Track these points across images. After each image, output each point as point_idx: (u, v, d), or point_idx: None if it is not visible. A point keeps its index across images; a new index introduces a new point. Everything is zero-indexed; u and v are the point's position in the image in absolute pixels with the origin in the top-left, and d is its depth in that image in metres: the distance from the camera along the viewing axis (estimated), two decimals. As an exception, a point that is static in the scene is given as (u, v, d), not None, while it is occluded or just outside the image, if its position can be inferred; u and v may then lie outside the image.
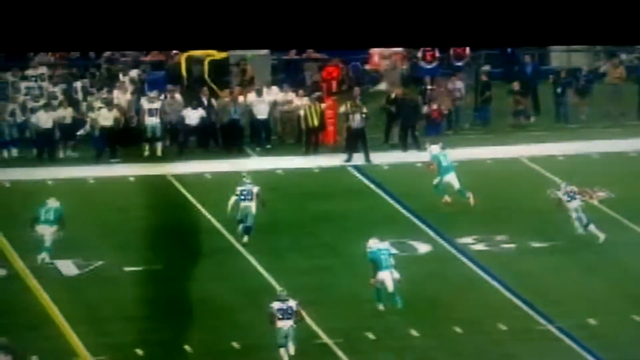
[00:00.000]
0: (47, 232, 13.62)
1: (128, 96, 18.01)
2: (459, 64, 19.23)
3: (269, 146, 17.76)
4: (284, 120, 18.02)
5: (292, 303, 11.46)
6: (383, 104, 18.04)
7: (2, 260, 13.64)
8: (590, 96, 18.86)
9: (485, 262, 13.57)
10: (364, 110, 17.29)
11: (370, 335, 11.90)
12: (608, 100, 18.78)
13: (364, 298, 12.50)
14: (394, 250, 12.85)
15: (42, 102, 17.71)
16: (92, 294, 12.87)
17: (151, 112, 17.56)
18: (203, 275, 13.26)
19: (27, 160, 17.12)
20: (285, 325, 11.38)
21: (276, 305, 11.47)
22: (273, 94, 18.01)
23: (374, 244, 12.43)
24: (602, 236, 13.76)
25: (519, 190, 15.30)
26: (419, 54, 19.02)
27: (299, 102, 17.84)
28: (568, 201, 14.00)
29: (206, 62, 18.13)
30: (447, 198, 15.01)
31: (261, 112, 17.77)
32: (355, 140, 17.12)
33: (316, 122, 17.54)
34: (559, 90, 18.82)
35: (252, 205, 13.99)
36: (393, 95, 18.16)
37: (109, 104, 17.59)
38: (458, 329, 12.04)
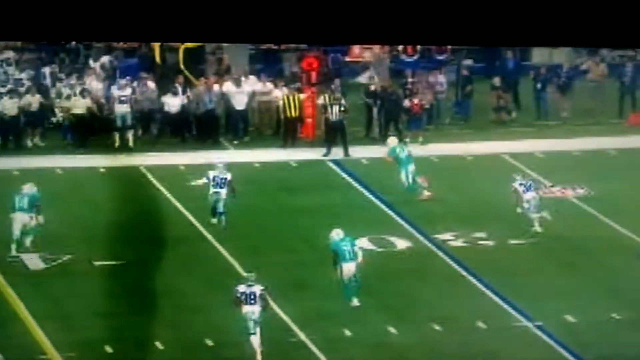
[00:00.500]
0: (23, 220, 13.61)
1: (99, 83, 17.98)
2: (441, 57, 19.49)
3: (246, 138, 17.90)
4: (262, 110, 18.16)
5: (256, 288, 11.70)
6: (362, 97, 18.28)
7: None
8: (572, 93, 19.23)
9: (463, 258, 13.86)
10: (343, 102, 17.49)
11: (347, 332, 12.12)
12: (589, 98, 19.16)
13: (343, 295, 12.69)
14: (363, 244, 13.07)
15: (7, 88, 17.59)
16: (59, 289, 12.85)
17: (122, 100, 17.56)
18: (176, 270, 13.35)
19: None
20: (249, 310, 11.61)
21: (241, 288, 11.74)
22: (251, 84, 18.12)
23: (336, 235, 12.71)
24: (546, 214, 14.25)
25: (498, 187, 15.61)
26: (400, 47, 19.24)
27: (278, 92, 18.00)
28: (524, 192, 14.44)
29: (181, 50, 18.20)
30: (426, 193, 15.28)
31: (239, 102, 17.89)
32: (334, 134, 17.34)
33: (295, 113, 17.72)
34: (538, 86, 19.18)
35: (223, 192, 14.20)
36: (372, 88, 18.38)
37: (83, 91, 17.57)
38: (437, 327, 12.31)
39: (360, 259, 12.70)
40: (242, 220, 14.57)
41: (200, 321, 12.19)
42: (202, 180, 14.39)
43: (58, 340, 11.71)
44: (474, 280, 13.38)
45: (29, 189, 13.83)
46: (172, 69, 18.31)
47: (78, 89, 17.65)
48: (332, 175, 16.60)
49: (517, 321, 12.48)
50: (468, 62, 19.44)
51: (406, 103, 18.09)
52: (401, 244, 14.27)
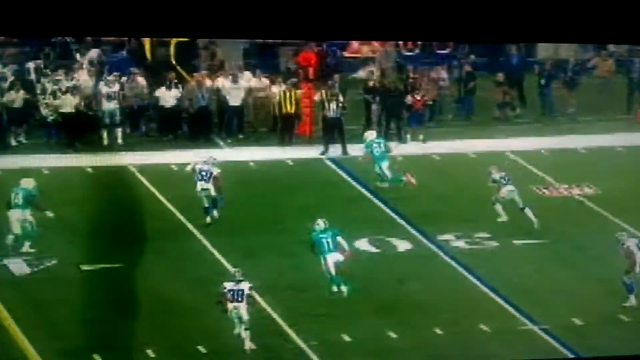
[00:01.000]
0: (19, 217, 13.60)
1: (88, 79, 17.96)
2: (442, 52, 19.57)
3: (241, 136, 17.97)
4: (257, 107, 18.20)
5: (244, 286, 11.85)
6: (361, 92, 18.35)
7: None
8: (578, 89, 19.33)
9: (466, 260, 13.98)
10: (340, 98, 17.56)
11: (346, 338, 12.19)
12: (596, 94, 19.26)
13: (341, 297, 12.77)
14: (362, 246, 13.16)
15: None
16: (45, 294, 12.85)
17: (110, 97, 17.60)
18: (167, 274, 13.40)
19: None
20: (235, 307, 11.75)
21: (228, 285, 11.88)
22: (245, 79, 18.16)
23: (317, 225, 12.92)
24: (535, 221, 14.42)
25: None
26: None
27: (275, 89, 18.05)
28: (504, 184, 14.68)
29: (172, 44, 18.26)
30: (410, 179, 15.46)
31: (234, 99, 17.92)
32: (331, 131, 17.42)
33: (291, 109, 17.78)
34: (543, 82, 19.29)
35: (210, 187, 14.35)
36: (371, 84, 18.45)
37: (72, 89, 17.56)
38: (438, 330, 12.41)
39: (347, 252, 12.85)
40: (237, 221, 14.63)
41: (193, 327, 12.24)
42: (189, 167, 14.58)
43: (44, 349, 11.74)
44: (476, 282, 13.49)
45: (25, 183, 13.79)
46: (163, 64, 18.36)
47: (65, 86, 17.64)
48: (330, 174, 16.68)
49: (521, 324, 12.60)
50: (471, 57, 19.53)
51: (408, 99, 18.22)
52: (401, 245, 14.35)
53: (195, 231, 14.35)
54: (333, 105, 17.49)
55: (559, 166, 16.81)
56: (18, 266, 13.36)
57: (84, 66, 18.14)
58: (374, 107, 18.33)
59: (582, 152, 17.62)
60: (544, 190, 16.27)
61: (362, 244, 14.25)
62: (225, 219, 14.62)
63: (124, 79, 17.85)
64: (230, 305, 11.85)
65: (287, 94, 17.83)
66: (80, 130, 17.55)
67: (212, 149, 17.11)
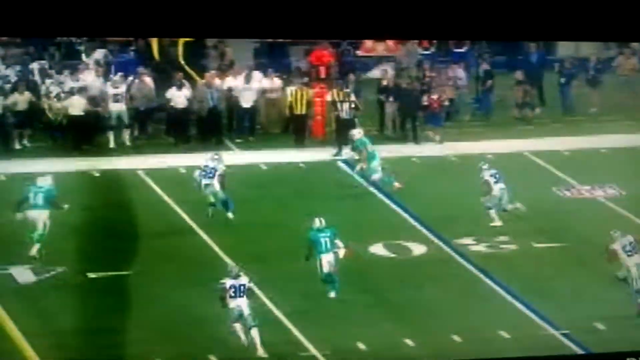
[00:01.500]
0: (39, 218, 13.66)
1: (94, 80, 18.00)
2: (459, 50, 19.65)
3: (251, 138, 18.06)
4: (269, 108, 18.25)
5: (244, 280, 12.02)
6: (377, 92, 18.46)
7: None
8: (600, 88, 19.38)
9: (485, 264, 14.01)
10: (353, 99, 17.66)
11: (361, 346, 12.25)
12: (619, 92, 19.29)
13: (356, 305, 12.85)
14: (377, 250, 13.21)
15: None
16: (51, 303, 12.88)
17: (116, 98, 17.68)
18: (177, 282, 13.42)
19: None
20: (237, 304, 11.87)
21: (228, 282, 11.97)
22: (256, 80, 18.24)
23: (315, 223, 13.06)
24: (520, 205, 14.58)
25: (521, 187, 15.74)
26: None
27: (287, 89, 18.08)
28: (495, 182, 14.81)
29: (181, 44, 18.34)
30: (396, 184, 15.60)
31: (245, 99, 18.00)
32: (345, 132, 17.47)
33: (303, 110, 17.89)
34: (562, 80, 19.35)
35: (215, 184, 14.50)
36: (385, 83, 18.55)
37: (79, 90, 17.62)
38: (456, 337, 12.45)
39: (342, 252, 13.01)
40: (248, 226, 14.71)
41: (204, 335, 12.30)
42: (197, 173, 14.82)
43: (49, 359, 11.79)
44: (495, 287, 13.53)
45: (43, 181, 13.82)
46: (171, 64, 18.44)
47: (70, 87, 17.66)
48: (344, 177, 16.76)
49: (542, 329, 12.65)
50: (488, 55, 19.60)
51: (424, 99, 18.31)
52: (418, 249, 14.40)
53: (205, 237, 14.38)
54: (346, 106, 17.61)
55: (580, 167, 16.85)
56: (23, 274, 13.40)
57: (90, 67, 18.19)
58: (388, 107, 18.47)
59: (605, 152, 17.64)
60: (565, 192, 16.33)
61: (377, 249, 14.32)
62: (236, 223, 14.73)
63: (130, 79, 17.88)
64: (232, 303, 11.97)
65: (299, 95, 17.92)
66: (86, 132, 17.62)
67: (222, 151, 17.21)
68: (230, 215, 14.71)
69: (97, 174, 16.50)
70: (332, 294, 12.94)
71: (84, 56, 18.58)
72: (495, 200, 14.87)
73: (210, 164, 14.85)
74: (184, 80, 17.79)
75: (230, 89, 18.06)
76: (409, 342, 12.31)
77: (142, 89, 18.01)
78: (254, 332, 11.98)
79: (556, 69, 19.67)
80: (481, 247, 14.55)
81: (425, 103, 18.19)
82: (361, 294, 13.16)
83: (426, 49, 19.70)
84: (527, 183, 16.35)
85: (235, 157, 17.06)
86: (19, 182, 15.57)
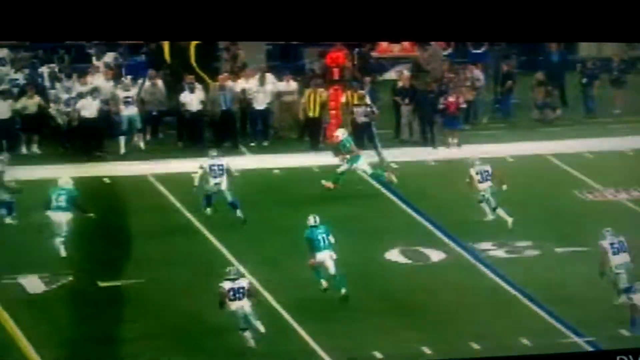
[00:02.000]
0: (61, 220, 13.78)
1: (104, 83, 18.01)
2: (477, 51, 19.63)
3: (265, 143, 18.05)
4: (283, 111, 18.24)
5: (243, 282, 12.14)
6: (392, 94, 18.46)
7: None
8: (624, 88, 19.30)
9: (506, 270, 13.95)
10: (368, 101, 17.66)
11: (378, 355, 12.22)
12: (643, 93, 19.26)
13: (372, 312, 12.84)
14: (393, 257, 13.23)
15: (1, 88, 17.60)
16: (61, 313, 12.89)
17: (127, 102, 17.73)
18: (191, 290, 13.39)
19: None
20: (239, 306, 11.96)
21: (227, 285, 12.09)
22: (269, 82, 18.26)
23: (309, 222, 13.15)
24: (509, 220, 14.64)
25: (543, 191, 15.69)
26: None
27: (301, 91, 18.08)
28: (480, 182, 14.78)
29: (192, 46, 18.33)
30: (328, 183, 15.72)
31: (260, 102, 18.03)
32: (360, 136, 17.44)
33: (317, 113, 17.88)
34: (584, 81, 19.29)
35: (223, 182, 14.68)
36: (401, 84, 18.54)
37: (89, 94, 17.67)
38: (476, 345, 12.41)
39: (334, 255, 13.10)
40: (261, 231, 14.71)
41: (219, 345, 12.30)
42: (199, 172, 14.87)
43: (59, 369, 11.84)
44: (516, 293, 13.47)
45: (64, 183, 13.97)
46: (182, 66, 18.44)
47: (81, 91, 17.64)
48: (359, 182, 16.72)
49: (565, 337, 12.60)
50: (508, 56, 19.57)
51: (441, 101, 18.30)
52: (436, 255, 14.36)
53: (217, 243, 14.39)
54: (361, 109, 17.64)
55: (603, 169, 16.78)
56: (32, 284, 13.40)
57: (101, 70, 18.22)
58: (404, 109, 18.46)
59: (630, 154, 17.55)
60: (588, 195, 16.26)
61: (393, 255, 14.30)
62: (249, 228, 14.75)
63: (141, 82, 17.91)
64: (233, 306, 12.05)
65: (313, 97, 17.96)
66: (96, 137, 17.66)
67: (235, 155, 17.23)
68: (239, 213, 14.75)
69: (107, 180, 16.54)
70: (324, 284, 13.03)
71: (94, 59, 18.64)
72: (481, 198, 14.91)
73: (216, 162, 15.02)
74: (196, 83, 17.89)
75: (243, 92, 18.14)
76: (426, 350, 12.26)
77: (154, 92, 18.05)
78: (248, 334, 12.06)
79: (578, 70, 19.62)
80: (501, 253, 14.51)
81: (442, 105, 18.21)
82: (377, 301, 13.14)
83: (443, 50, 19.67)
84: (548, 186, 16.30)
85: (248, 161, 17.11)
86: (29, 189, 15.64)
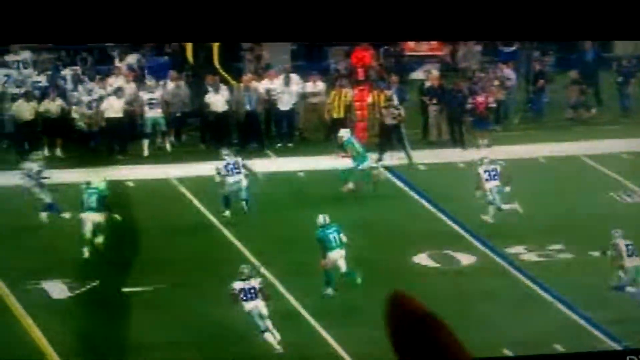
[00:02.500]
0: (93, 220, 14.03)
1: (127, 85, 18.04)
2: (507, 49, 19.54)
3: (290, 144, 18.05)
4: (309, 112, 18.20)
5: (254, 283, 12.21)
6: (418, 94, 18.42)
7: None
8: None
9: (538, 274, 13.86)
10: (396, 102, 17.62)
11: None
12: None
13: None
14: (421, 261, 13.21)
15: (23, 90, 17.66)
16: (85, 319, 12.92)
17: (151, 104, 17.80)
18: (215, 295, 13.31)
19: (4, 161, 17.19)
20: (253, 306, 12.03)
21: (238, 285, 12.17)
22: (294, 82, 18.24)
23: (319, 222, 13.24)
24: (518, 207, 14.65)
25: (577, 192, 15.57)
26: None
27: (327, 92, 18.05)
28: (487, 180, 14.76)
29: (215, 47, 18.34)
30: (348, 186, 15.79)
31: (284, 103, 18.05)
32: (388, 137, 17.41)
33: (342, 113, 17.87)
34: (620, 79, 19.12)
35: (242, 179, 14.83)
36: (429, 84, 18.49)
37: (112, 96, 17.72)
38: (507, 351, 12.36)
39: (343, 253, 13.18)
40: (287, 236, 14.68)
41: (243, 351, 12.30)
42: (218, 178, 15.05)
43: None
44: (550, 298, 13.39)
45: (96, 183, 14.31)
46: (205, 68, 18.47)
47: (104, 93, 17.69)
48: (386, 184, 16.71)
49: (601, 342, 12.52)
50: (540, 54, 19.46)
51: (470, 101, 18.22)
52: (466, 259, 14.31)
53: (243, 248, 14.37)
54: (389, 110, 17.61)
55: (640, 170, 16.66)
56: (57, 289, 13.45)
57: (123, 72, 18.26)
58: (432, 109, 18.42)
59: (667, 155, 17.47)
60: (626, 198, 16.13)
61: (422, 259, 14.23)
62: (275, 233, 14.76)
63: (164, 83, 17.89)
64: (247, 306, 12.09)
65: (338, 98, 17.96)
66: (120, 140, 17.72)
67: (260, 158, 17.26)
68: (226, 213, 14.89)
69: (131, 184, 16.56)
70: (329, 291, 13.08)
71: (116, 61, 18.68)
72: (489, 198, 14.90)
73: (229, 160, 15.17)
74: (220, 84, 17.94)
75: (267, 93, 18.14)
76: (457, 357, 12.23)
77: (177, 93, 18.08)
78: (269, 337, 12.07)
79: (613, 68, 19.47)
80: (533, 256, 14.41)
81: (470, 105, 18.14)
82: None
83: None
84: (583, 188, 16.17)
85: (273, 163, 17.11)
86: (52, 193, 15.76)
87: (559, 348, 12.40)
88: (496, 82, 18.73)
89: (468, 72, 18.94)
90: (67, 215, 15.13)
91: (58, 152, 17.80)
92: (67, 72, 18.41)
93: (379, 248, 14.36)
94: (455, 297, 13.29)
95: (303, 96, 18.29)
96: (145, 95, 17.93)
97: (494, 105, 18.41)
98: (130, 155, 17.74)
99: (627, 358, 11.00)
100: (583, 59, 19.65)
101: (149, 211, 15.66)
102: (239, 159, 15.23)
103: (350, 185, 15.95)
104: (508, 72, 19.03)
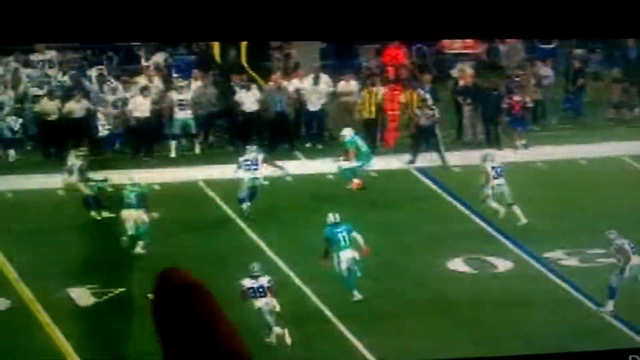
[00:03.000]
0: (133, 218, 14.28)
1: (153, 85, 17.96)
2: (545, 46, 19.37)
3: (320, 146, 17.96)
4: (340, 112, 18.08)
5: (263, 281, 12.27)
6: (451, 93, 18.31)
7: (6, 288, 13.58)
8: None
9: (578, 280, 13.68)
10: (430, 102, 17.53)
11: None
12: None
13: (437, 326, 12.69)
14: (457, 266, 13.11)
15: (47, 89, 17.66)
16: (112, 326, 12.89)
17: (181, 105, 17.81)
18: (244, 304, 13.26)
19: (31, 163, 17.23)
20: (263, 303, 12.11)
21: (247, 282, 12.26)
22: (324, 82, 18.18)
23: (329, 220, 13.22)
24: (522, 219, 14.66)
25: (619, 195, 15.39)
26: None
27: (358, 91, 17.98)
28: (495, 177, 14.96)
29: (243, 45, 18.34)
30: (356, 181, 15.86)
31: (314, 103, 17.99)
32: (421, 138, 17.28)
33: (373, 113, 17.81)
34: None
35: (259, 174, 15.17)
36: (462, 83, 18.38)
37: (139, 95, 17.69)
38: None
39: (364, 249, 13.08)
40: (318, 243, 14.63)
41: (270, 356, 12.28)
42: (239, 173, 15.20)
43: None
44: (591, 305, 13.22)
45: (137, 181, 14.64)
46: (233, 67, 18.43)
47: (130, 94, 17.64)
48: (419, 186, 16.60)
49: (643, 350, 12.34)
50: (580, 51, 19.29)
51: (506, 100, 18.08)
52: (503, 264, 14.16)
53: (273, 256, 14.41)
54: (423, 110, 17.52)
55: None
56: (82, 296, 13.46)
57: (150, 71, 18.21)
58: (466, 109, 18.30)
59: None
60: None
61: (457, 264, 14.10)
62: (300, 236, 14.72)
63: (188, 83, 17.83)
64: (258, 303, 12.12)
65: (369, 97, 17.89)
66: (146, 142, 17.69)
67: (288, 160, 17.13)
68: (244, 206, 15.02)
69: (158, 187, 16.44)
70: (357, 295, 12.99)
71: (143, 60, 18.72)
72: (495, 194, 14.94)
73: (250, 156, 15.32)
74: (250, 84, 17.84)
75: (297, 92, 18.08)
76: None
77: (204, 93, 18.06)
78: (279, 331, 12.06)
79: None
80: (574, 262, 14.26)
81: (506, 105, 18.00)
82: (440, 314, 12.96)
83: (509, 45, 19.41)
84: (625, 190, 15.97)
85: (302, 165, 17.05)
86: (78, 196, 15.80)
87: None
88: (533, 81, 18.58)
89: (506, 69, 18.78)
90: (105, 213, 15.29)
91: (82, 153, 17.86)
92: (92, 72, 18.43)
93: (411, 252, 14.26)
94: (493, 304, 13.14)
95: (334, 95, 18.27)
96: (175, 96, 17.93)
97: (531, 105, 18.25)
98: (156, 157, 17.77)
99: (630, 357, 10.86)
100: (626, 56, 19.43)
101: (175, 215, 15.54)
102: (260, 156, 15.35)
103: (357, 180, 15.97)
104: (546, 70, 18.86)
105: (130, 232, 14.38)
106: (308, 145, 17.98)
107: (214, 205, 15.97)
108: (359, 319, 12.73)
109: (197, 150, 17.86)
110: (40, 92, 17.88)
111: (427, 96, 17.67)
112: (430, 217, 15.49)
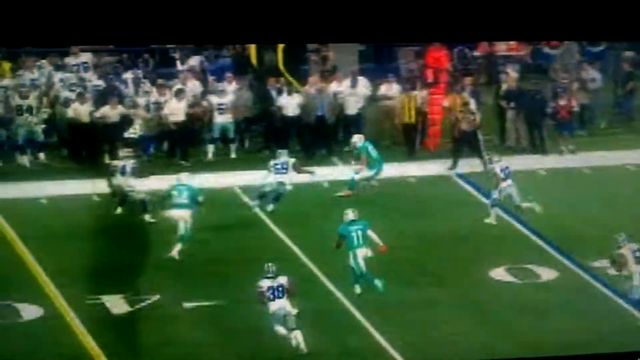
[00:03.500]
0: (181, 217, 14.23)
1: (190, 88, 18.09)
2: (593, 49, 19.23)
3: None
4: (380, 116, 18.11)
5: (282, 280, 12.23)
6: (495, 97, 18.26)
7: (39, 296, 13.65)
8: None
9: (627, 290, 13.45)
10: (473, 106, 17.49)
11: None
12: None
13: (478, 337, 12.60)
14: (499, 276, 13.04)
15: (78, 92, 17.70)
16: (146, 335, 12.86)
17: (221, 109, 17.92)
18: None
19: (66, 169, 17.38)
20: (278, 306, 12.02)
21: (265, 283, 12.16)
22: (362, 85, 18.23)
23: (346, 217, 13.27)
24: (537, 206, 14.73)
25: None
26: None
27: (398, 95, 17.98)
28: (503, 179, 14.99)
29: (280, 48, 18.39)
30: (345, 192, 15.92)
31: (351, 107, 18.02)
32: (463, 144, 17.24)
33: (412, 117, 17.83)
34: None
35: (287, 179, 15.16)
36: (505, 87, 18.31)
37: (175, 99, 17.76)
38: (593, 373, 12.13)
39: (381, 246, 13.10)
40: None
41: (269, 352, 12.15)
42: (269, 178, 15.40)
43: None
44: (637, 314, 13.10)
45: (185, 180, 14.53)
46: (269, 70, 18.56)
47: (166, 98, 17.71)
48: (460, 193, 16.52)
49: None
50: (630, 53, 19.14)
51: (552, 104, 18.02)
52: (547, 274, 14.04)
53: (310, 264, 14.28)
54: (465, 115, 17.50)
55: None
56: (116, 304, 13.46)
57: (186, 75, 18.36)
58: (510, 113, 18.23)
59: None
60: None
61: (499, 273, 13.99)
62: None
63: (230, 87, 17.98)
64: (273, 306, 12.06)
65: (408, 101, 17.95)
66: (183, 146, 17.78)
67: (325, 166, 17.26)
68: (269, 207, 15.24)
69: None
70: (357, 289, 12.98)
71: (178, 63, 18.92)
72: (505, 196, 14.96)
73: (279, 160, 15.47)
74: (290, 88, 17.88)
75: (335, 96, 18.15)
76: (539, 379, 12.11)
77: (240, 96, 18.15)
78: (298, 335, 12.00)
79: None
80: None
81: (551, 110, 17.91)
82: (481, 324, 12.86)
83: (554, 48, 19.35)
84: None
85: (339, 171, 17.04)
86: (109, 202, 15.90)
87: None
88: (577, 85, 18.47)
89: (550, 72, 18.68)
90: (147, 217, 15.34)
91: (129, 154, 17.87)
92: (128, 76, 18.54)
93: (452, 261, 14.17)
94: (536, 315, 13.01)
95: (373, 99, 18.30)
96: (215, 100, 18.01)
97: (577, 109, 18.14)
98: (192, 161, 17.89)
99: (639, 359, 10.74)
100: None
101: (210, 222, 15.52)
102: (290, 160, 15.44)
103: (347, 192, 16.05)
104: (593, 73, 18.73)
105: (181, 232, 14.33)
106: (346, 150, 18.05)
107: (247, 210, 15.97)
108: (398, 326, 12.65)
109: (233, 154, 17.92)
110: (73, 96, 17.99)
111: (471, 100, 17.63)
112: (470, 224, 15.40)
